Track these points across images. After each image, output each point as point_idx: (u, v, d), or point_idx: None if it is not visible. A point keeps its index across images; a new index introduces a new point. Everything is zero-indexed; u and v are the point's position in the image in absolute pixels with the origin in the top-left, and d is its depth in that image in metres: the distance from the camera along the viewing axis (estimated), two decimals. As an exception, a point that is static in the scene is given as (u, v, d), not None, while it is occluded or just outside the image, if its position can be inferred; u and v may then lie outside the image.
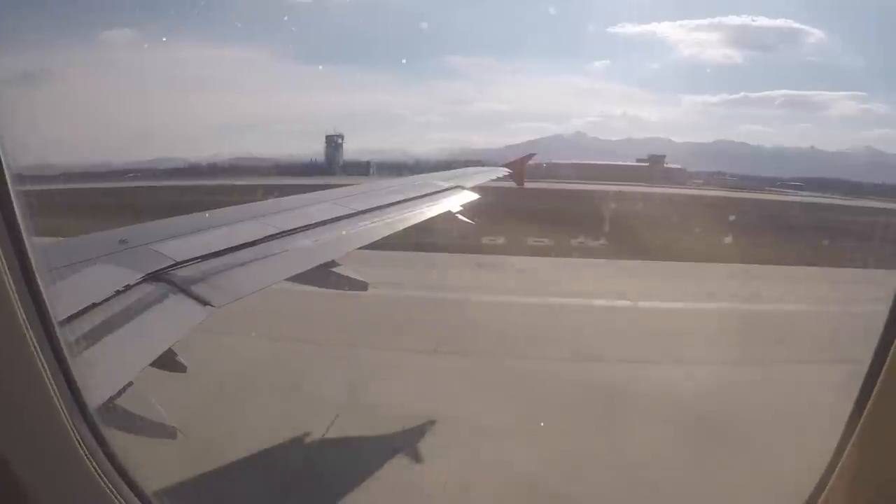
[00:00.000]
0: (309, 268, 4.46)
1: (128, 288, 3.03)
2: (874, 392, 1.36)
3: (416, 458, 6.35)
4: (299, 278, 4.43)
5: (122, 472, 1.52)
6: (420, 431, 6.81)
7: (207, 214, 4.89)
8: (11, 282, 1.21)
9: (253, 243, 4.26)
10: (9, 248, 1.22)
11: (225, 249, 3.97)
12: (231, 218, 4.81)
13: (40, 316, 1.31)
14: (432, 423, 7.00)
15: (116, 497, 1.48)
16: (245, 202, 5.83)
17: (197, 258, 3.67)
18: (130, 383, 2.32)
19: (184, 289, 3.29)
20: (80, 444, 1.40)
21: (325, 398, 7.51)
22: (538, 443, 6.73)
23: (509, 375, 8.53)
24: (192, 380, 3.41)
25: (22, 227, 1.27)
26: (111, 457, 1.50)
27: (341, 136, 46.16)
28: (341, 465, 6.21)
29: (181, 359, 3.07)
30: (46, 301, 1.33)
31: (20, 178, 1.30)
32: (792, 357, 9.54)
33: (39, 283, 1.32)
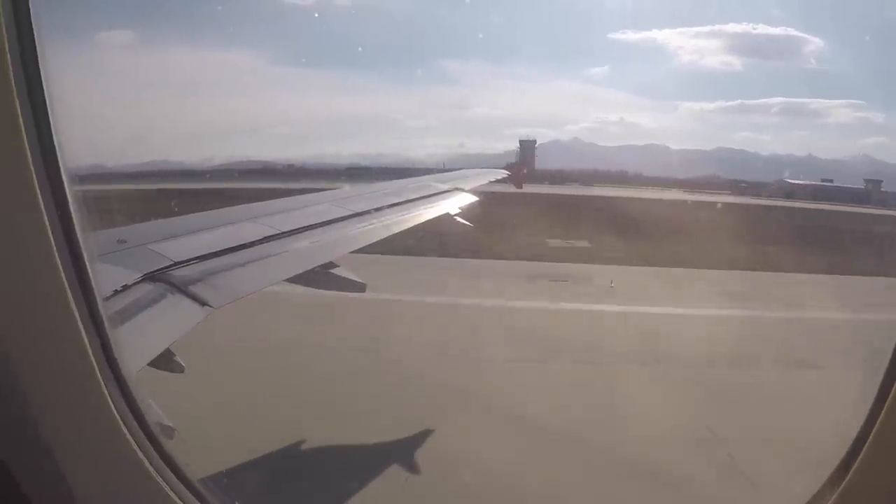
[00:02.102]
0: (307, 269, 4.46)
1: (126, 288, 3.01)
2: (892, 393, 1.35)
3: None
4: (298, 279, 4.43)
5: (156, 446, 1.58)
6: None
7: (206, 215, 4.89)
8: (62, 267, 1.37)
9: (252, 244, 4.25)
10: (60, 238, 1.38)
11: (224, 250, 3.96)
12: (230, 218, 4.80)
13: (86, 296, 1.44)
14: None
15: (155, 471, 1.53)
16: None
17: (195, 258, 3.66)
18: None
19: (182, 289, 3.27)
20: (116, 414, 1.48)
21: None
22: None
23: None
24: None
25: (75, 219, 1.45)
26: (146, 428, 1.56)
27: (535, 141, 45.69)
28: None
29: (179, 359, 3.05)
30: (92, 281, 1.48)
31: (77, 177, 1.51)
32: None
33: (88, 267, 1.47)
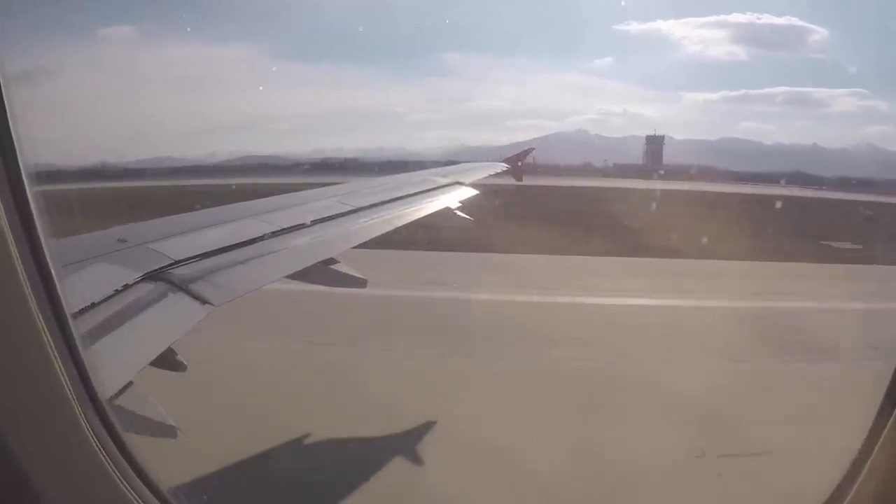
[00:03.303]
0: (307, 265, 4.46)
1: (126, 287, 3.02)
2: None
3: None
4: (298, 276, 4.43)
5: (133, 464, 1.54)
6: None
7: (207, 212, 4.89)
8: (26, 276, 1.27)
9: (252, 241, 4.25)
10: (24, 244, 1.29)
11: (224, 247, 3.96)
12: (230, 216, 4.80)
13: (53, 309, 1.36)
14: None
15: (128, 489, 1.49)
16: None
17: (196, 256, 3.66)
18: (130, 383, 2.31)
19: (183, 287, 3.28)
20: (91, 435, 1.43)
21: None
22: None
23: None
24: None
25: (37, 223, 1.34)
26: (122, 448, 1.52)
27: (663, 137, 45.59)
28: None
29: (181, 358, 3.06)
30: (60, 294, 1.39)
31: (36, 176, 1.39)
32: None
33: (54, 276, 1.38)
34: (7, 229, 1.24)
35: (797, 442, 6.45)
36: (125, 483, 1.48)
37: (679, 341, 10.11)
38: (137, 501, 1.50)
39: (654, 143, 44.57)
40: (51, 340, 1.32)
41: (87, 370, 1.46)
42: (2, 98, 1.32)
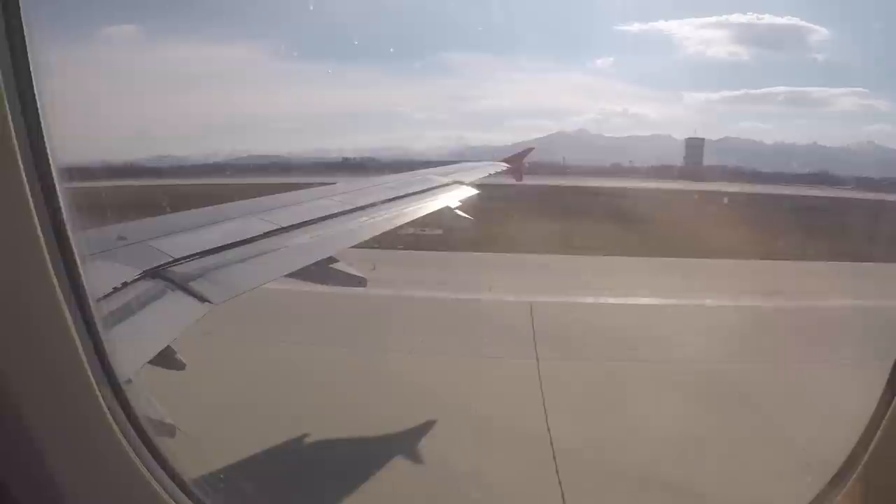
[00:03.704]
0: (307, 264, 4.45)
1: (125, 284, 3.01)
2: None
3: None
4: (298, 275, 4.42)
5: (150, 447, 1.58)
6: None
7: (206, 211, 4.88)
8: (51, 265, 1.34)
9: (252, 240, 4.24)
10: (51, 238, 1.36)
11: (224, 246, 3.95)
12: (230, 214, 4.79)
13: (77, 296, 1.42)
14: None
15: (147, 472, 1.53)
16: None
17: (196, 254, 3.65)
18: (129, 381, 2.30)
19: (182, 285, 3.26)
20: (107, 411, 1.47)
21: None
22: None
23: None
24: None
25: (66, 217, 1.42)
26: (136, 425, 1.56)
27: (703, 140, 45.86)
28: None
29: (180, 356, 3.05)
30: (84, 282, 1.46)
31: (72, 174, 1.51)
32: None
33: (78, 264, 1.45)
34: (37, 223, 1.31)
35: None
36: (145, 467, 1.52)
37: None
38: (153, 481, 1.53)
39: (694, 146, 44.74)
40: (74, 326, 1.39)
41: (108, 355, 1.52)
42: (35, 96, 1.37)
